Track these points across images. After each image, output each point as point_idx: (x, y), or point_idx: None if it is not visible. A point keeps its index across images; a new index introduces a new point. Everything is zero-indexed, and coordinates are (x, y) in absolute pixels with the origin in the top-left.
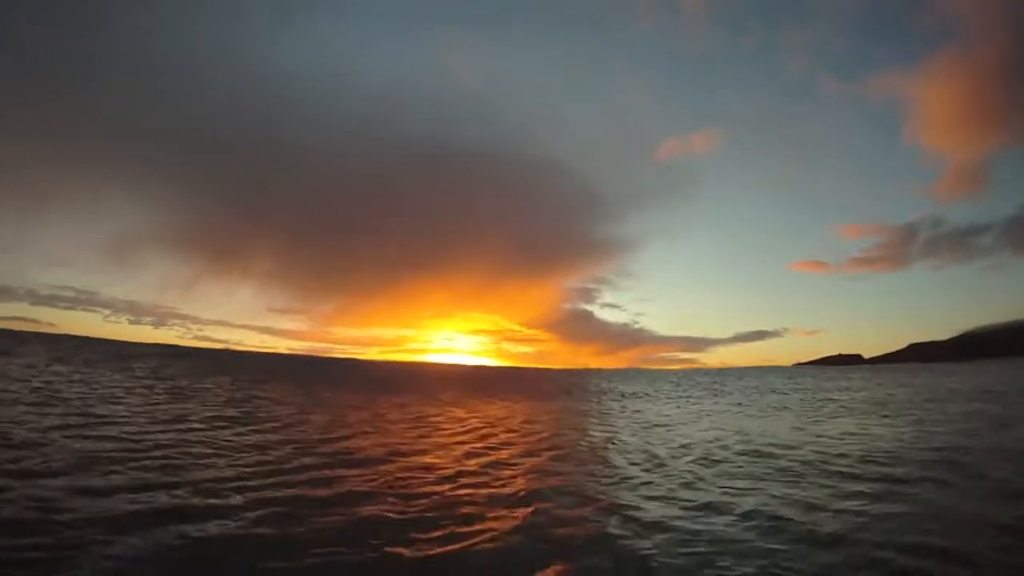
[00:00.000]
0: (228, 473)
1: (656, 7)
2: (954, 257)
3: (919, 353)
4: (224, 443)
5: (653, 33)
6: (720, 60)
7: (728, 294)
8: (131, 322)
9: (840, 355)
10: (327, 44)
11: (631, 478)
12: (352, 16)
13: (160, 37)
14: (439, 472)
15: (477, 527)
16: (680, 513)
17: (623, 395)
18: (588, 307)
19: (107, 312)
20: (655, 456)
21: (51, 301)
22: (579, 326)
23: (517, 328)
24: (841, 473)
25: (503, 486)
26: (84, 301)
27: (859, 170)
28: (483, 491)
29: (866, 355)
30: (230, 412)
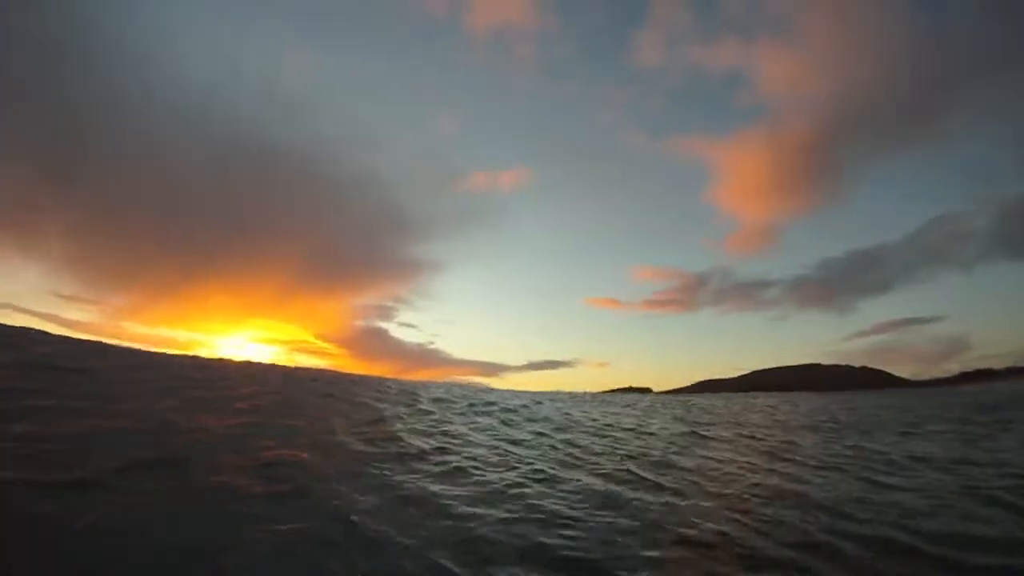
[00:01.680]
0: None
1: (490, 45)
2: (741, 305)
3: (708, 388)
4: None
5: (480, 69)
6: (540, 104)
7: (524, 323)
8: None
9: (631, 387)
10: (153, 21)
11: None
12: None
13: None
14: None
15: None
16: None
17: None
18: (384, 324)
19: None
20: None
21: None
22: (373, 342)
23: (310, 340)
24: None
25: None
26: None
27: (659, 220)
28: None
29: (656, 388)
30: None
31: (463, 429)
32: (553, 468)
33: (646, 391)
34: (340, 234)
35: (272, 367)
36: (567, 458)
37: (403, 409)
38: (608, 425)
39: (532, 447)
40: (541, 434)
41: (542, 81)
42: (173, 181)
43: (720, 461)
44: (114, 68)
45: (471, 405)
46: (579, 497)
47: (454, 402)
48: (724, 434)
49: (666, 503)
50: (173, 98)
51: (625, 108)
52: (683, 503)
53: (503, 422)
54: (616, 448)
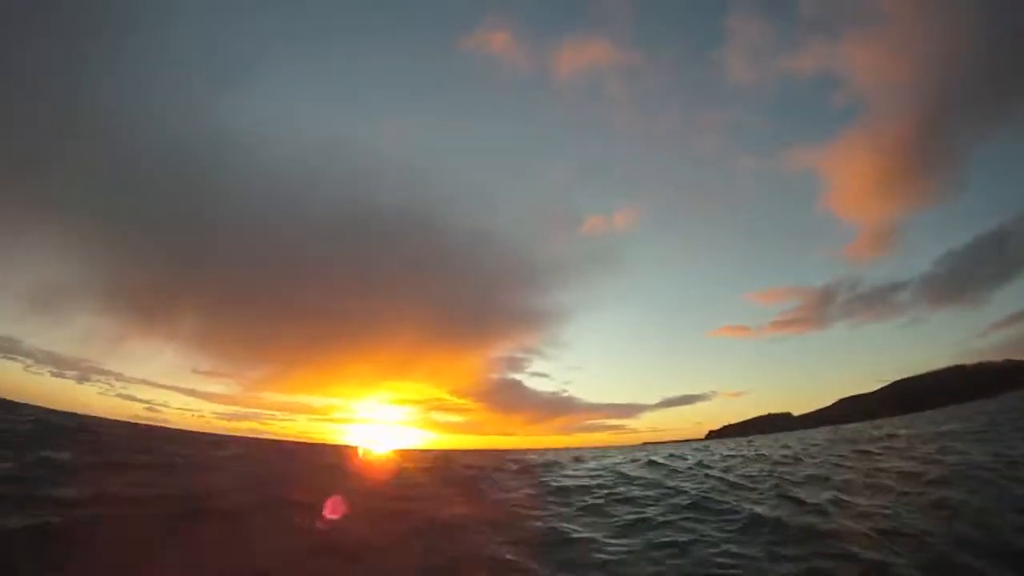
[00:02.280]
0: None
1: (579, 91)
2: (873, 314)
3: (849, 406)
4: None
5: (576, 114)
6: (640, 141)
7: (654, 361)
8: (53, 375)
9: (770, 415)
10: (259, 107)
11: None
12: (284, 81)
13: (93, 95)
14: None
15: None
16: None
17: None
18: (517, 376)
19: (29, 362)
20: None
21: None
22: (508, 395)
23: (445, 397)
24: None
25: None
26: (6, 349)
27: (775, 239)
28: None
29: (796, 412)
30: None
31: None
32: None
33: (786, 416)
34: (466, 291)
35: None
36: None
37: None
38: None
39: None
40: None
41: (637, 117)
42: (294, 255)
43: None
44: (230, 154)
45: None
46: None
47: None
48: None
49: None
50: (287, 177)
51: (724, 131)
52: None
53: None
54: None
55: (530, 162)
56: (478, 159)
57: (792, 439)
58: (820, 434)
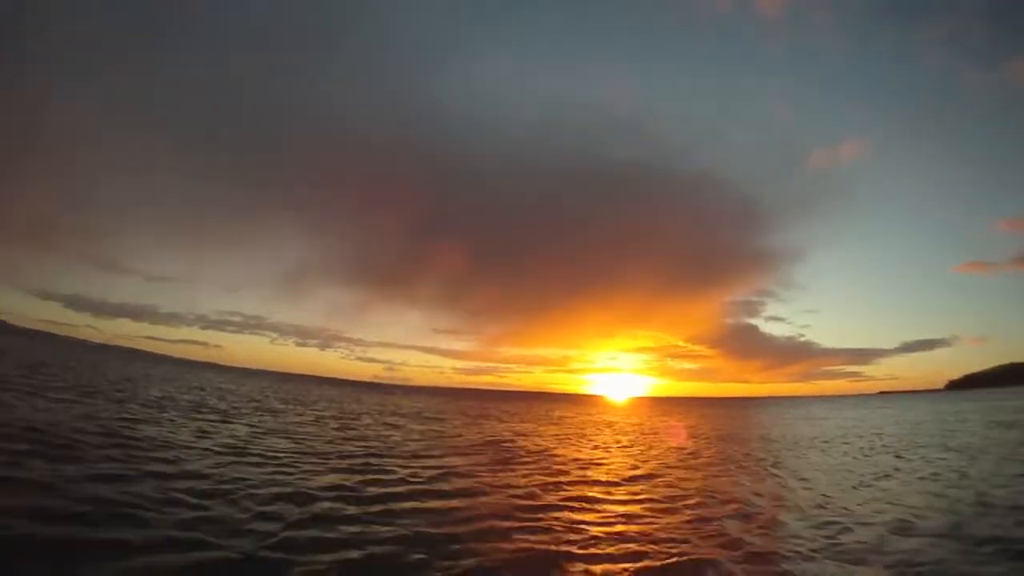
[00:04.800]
0: None
1: (788, 23)
2: None
3: None
4: None
5: (788, 48)
6: (856, 67)
7: (891, 302)
8: (297, 344)
9: (1013, 364)
10: (489, 74)
11: None
12: (511, 48)
13: (329, 81)
14: None
15: None
16: None
17: None
18: (752, 321)
19: (274, 335)
20: None
21: (219, 325)
22: (743, 340)
23: (681, 344)
24: None
25: None
26: (252, 326)
27: (1009, 161)
28: None
29: None
30: None
31: None
32: None
33: None
34: (697, 236)
35: None
36: None
37: None
38: None
39: None
40: None
41: (852, 42)
42: (527, 214)
43: None
44: (458, 126)
45: None
46: None
47: None
48: None
49: None
50: (516, 140)
51: (946, 44)
52: None
53: None
54: None
55: (747, 100)
56: (697, 103)
57: None
58: None
